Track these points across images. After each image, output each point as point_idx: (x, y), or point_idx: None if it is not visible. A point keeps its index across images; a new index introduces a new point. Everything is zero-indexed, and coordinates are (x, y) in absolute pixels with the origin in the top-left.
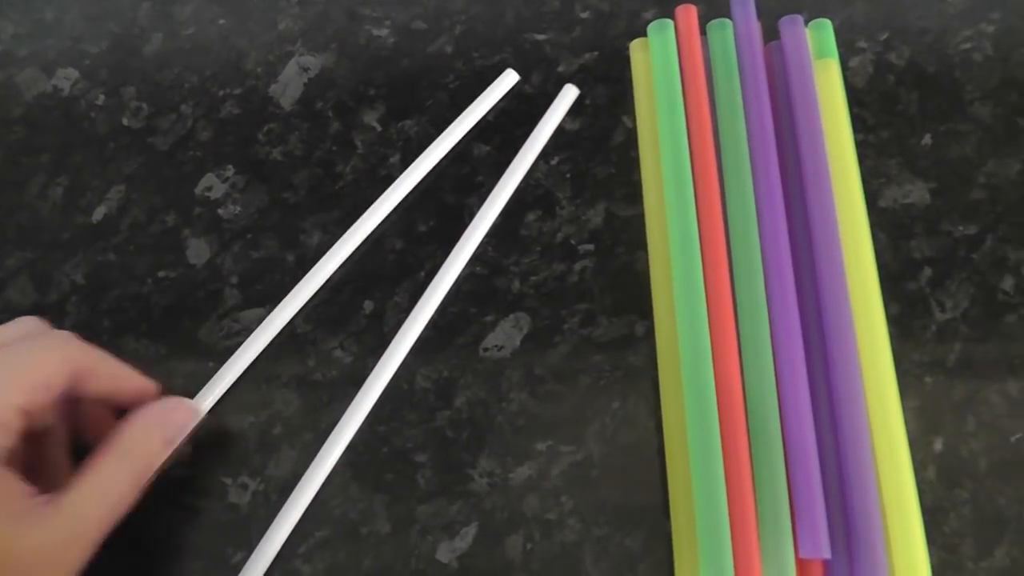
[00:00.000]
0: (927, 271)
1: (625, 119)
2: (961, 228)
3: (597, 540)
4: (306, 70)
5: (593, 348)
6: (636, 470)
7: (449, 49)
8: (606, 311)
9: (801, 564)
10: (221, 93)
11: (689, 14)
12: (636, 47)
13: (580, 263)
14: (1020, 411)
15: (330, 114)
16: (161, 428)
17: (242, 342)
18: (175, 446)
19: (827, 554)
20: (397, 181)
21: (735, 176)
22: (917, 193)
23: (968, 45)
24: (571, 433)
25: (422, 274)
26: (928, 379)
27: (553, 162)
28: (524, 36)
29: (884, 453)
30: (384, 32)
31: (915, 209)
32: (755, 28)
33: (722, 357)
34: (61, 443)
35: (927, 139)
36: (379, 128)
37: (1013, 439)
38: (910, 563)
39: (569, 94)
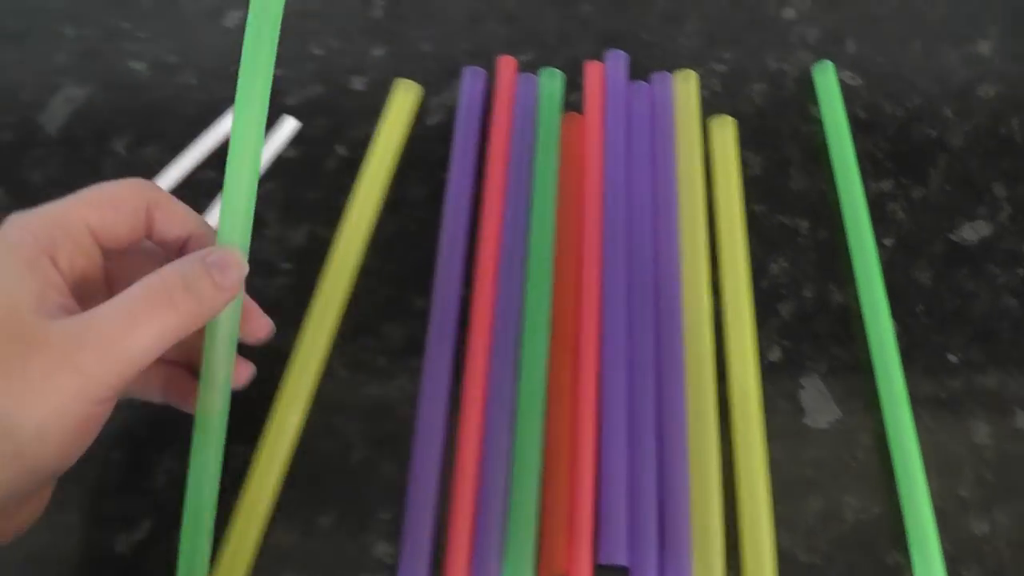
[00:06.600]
0: None
1: (339, 148)
2: None
3: None
4: (71, 100)
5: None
6: None
7: (193, 81)
8: (296, 323)
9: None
10: None
11: (508, 64)
12: (401, 86)
13: (279, 279)
14: None
15: (86, 140)
16: (214, 268)
17: None
18: (229, 293)
19: (623, 560)
20: None
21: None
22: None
23: None
24: None
25: None
26: None
27: (269, 187)
28: None
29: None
30: (141, 66)
31: None
32: (620, 75)
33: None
34: None
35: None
36: (124, 153)
37: None
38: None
39: (287, 125)
